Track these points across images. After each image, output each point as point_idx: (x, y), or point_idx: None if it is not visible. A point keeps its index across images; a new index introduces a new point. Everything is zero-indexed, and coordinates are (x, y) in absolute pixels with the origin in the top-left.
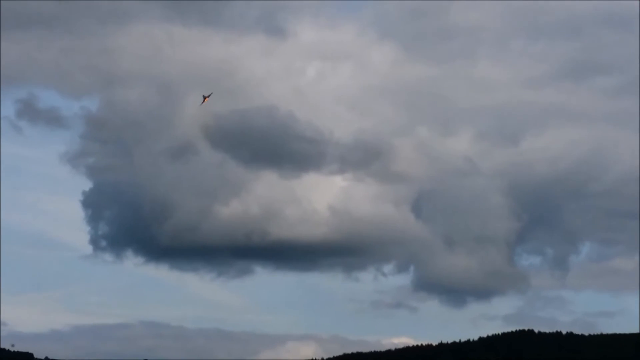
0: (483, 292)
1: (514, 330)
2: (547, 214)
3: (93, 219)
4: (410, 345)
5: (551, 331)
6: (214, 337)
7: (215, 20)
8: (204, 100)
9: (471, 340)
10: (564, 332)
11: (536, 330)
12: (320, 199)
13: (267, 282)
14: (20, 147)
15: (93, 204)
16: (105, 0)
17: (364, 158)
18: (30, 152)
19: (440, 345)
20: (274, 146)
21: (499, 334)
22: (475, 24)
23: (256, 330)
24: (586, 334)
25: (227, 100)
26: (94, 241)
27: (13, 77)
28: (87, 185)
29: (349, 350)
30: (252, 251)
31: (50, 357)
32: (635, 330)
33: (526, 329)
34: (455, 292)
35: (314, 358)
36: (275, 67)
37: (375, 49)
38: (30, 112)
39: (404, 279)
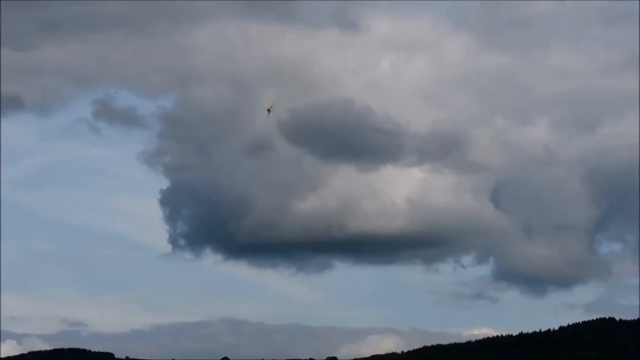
0: (564, 281)
1: (595, 318)
2: (627, 201)
3: (171, 217)
4: (491, 336)
5: (633, 319)
6: (294, 333)
7: (289, 17)
8: (268, 113)
9: (552, 329)
10: None
11: (617, 318)
12: (398, 191)
13: (346, 276)
14: (99, 148)
15: (171, 202)
16: (179, 0)
17: (441, 149)
18: (108, 153)
19: (521, 335)
20: (351, 139)
21: (579, 323)
22: (550, 12)
23: (336, 325)
24: None
25: (303, 95)
26: (173, 240)
27: (89, 79)
28: (164, 184)
29: (429, 343)
30: (330, 245)
31: (131, 357)
32: None
33: (607, 317)
34: (535, 282)
35: (394, 351)
36: (350, 61)
37: (450, 40)
38: (107, 112)
39: (484, 270)
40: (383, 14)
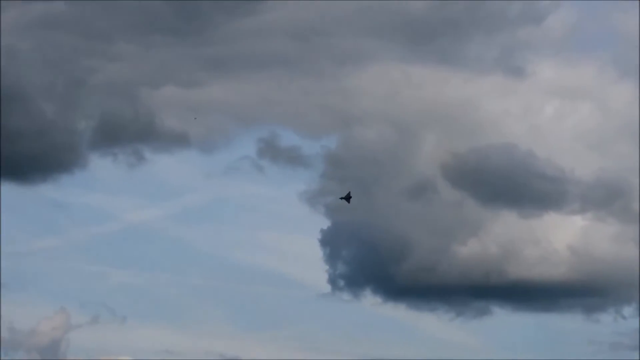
0: None
1: None
2: None
3: (331, 258)
4: None
5: None
6: None
7: (453, 61)
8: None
9: None
10: None
11: None
12: (560, 238)
13: (505, 322)
14: (261, 186)
15: (331, 243)
16: (342, 42)
17: (606, 197)
18: (270, 191)
19: None
20: (513, 185)
21: None
22: None
23: None
24: None
25: (466, 139)
26: (332, 280)
27: (253, 117)
28: (325, 224)
29: None
30: (490, 291)
31: None
32: None
33: None
34: None
35: None
36: (514, 106)
37: (615, 87)
38: (271, 151)
39: None
40: (549, 60)
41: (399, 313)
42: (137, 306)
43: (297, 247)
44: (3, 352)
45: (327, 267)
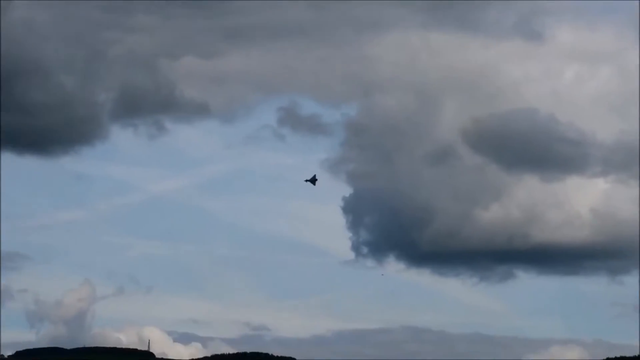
0: None
1: None
2: None
3: (354, 225)
4: None
5: None
6: (475, 342)
7: (472, 26)
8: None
9: None
10: None
11: None
12: (582, 201)
13: (529, 286)
14: (282, 155)
15: (353, 210)
16: (362, 9)
17: (627, 160)
18: (291, 160)
19: None
20: (535, 149)
21: None
22: None
23: (518, 335)
24: None
25: (486, 104)
26: (356, 247)
27: (273, 86)
28: (347, 191)
29: (612, 355)
30: (513, 255)
31: None
32: None
33: None
34: None
35: None
36: (534, 70)
37: (634, 50)
38: (292, 120)
39: None
40: (568, 23)
41: (423, 279)
42: (161, 276)
43: (319, 215)
44: (30, 323)
45: (350, 234)
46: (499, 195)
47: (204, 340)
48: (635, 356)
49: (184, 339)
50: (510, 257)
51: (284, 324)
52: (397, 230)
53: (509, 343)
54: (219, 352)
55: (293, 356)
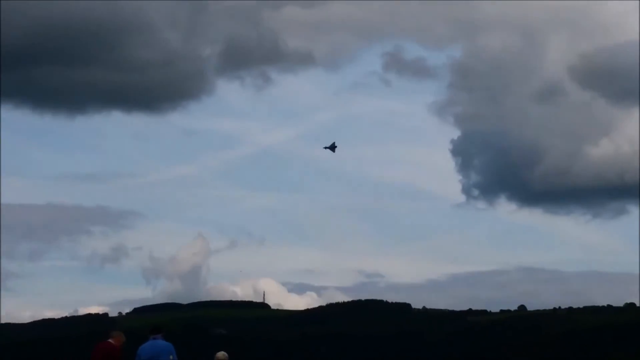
0: None
1: None
2: None
3: (463, 167)
4: None
5: None
6: (591, 280)
7: None
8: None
9: None
10: None
11: None
12: None
13: None
14: (389, 100)
15: (463, 152)
16: None
17: None
18: (399, 105)
19: None
20: None
21: None
22: None
23: (633, 271)
24: None
25: (592, 39)
26: (466, 190)
27: (377, 32)
28: (455, 134)
29: None
30: (625, 191)
31: (427, 307)
32: None
33: None
34: None
35: None
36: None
37: None
38: (397, 64)
39: None
40: None
41: (535, 218)
42: (274, 228)
43: (428, 159)
44: (146, 280)
45: (460, 177)
46: (609, 130)
47: (318, 290)
48: None
49: (298, 289)
50: (622, 192)
51: (398, 270)
52: (507, 171)
53: (625, 279)
54: (333, 301)
55: (408, 302)
